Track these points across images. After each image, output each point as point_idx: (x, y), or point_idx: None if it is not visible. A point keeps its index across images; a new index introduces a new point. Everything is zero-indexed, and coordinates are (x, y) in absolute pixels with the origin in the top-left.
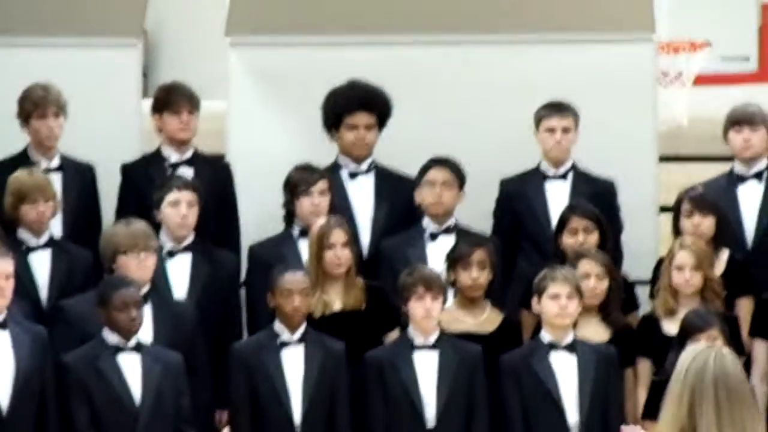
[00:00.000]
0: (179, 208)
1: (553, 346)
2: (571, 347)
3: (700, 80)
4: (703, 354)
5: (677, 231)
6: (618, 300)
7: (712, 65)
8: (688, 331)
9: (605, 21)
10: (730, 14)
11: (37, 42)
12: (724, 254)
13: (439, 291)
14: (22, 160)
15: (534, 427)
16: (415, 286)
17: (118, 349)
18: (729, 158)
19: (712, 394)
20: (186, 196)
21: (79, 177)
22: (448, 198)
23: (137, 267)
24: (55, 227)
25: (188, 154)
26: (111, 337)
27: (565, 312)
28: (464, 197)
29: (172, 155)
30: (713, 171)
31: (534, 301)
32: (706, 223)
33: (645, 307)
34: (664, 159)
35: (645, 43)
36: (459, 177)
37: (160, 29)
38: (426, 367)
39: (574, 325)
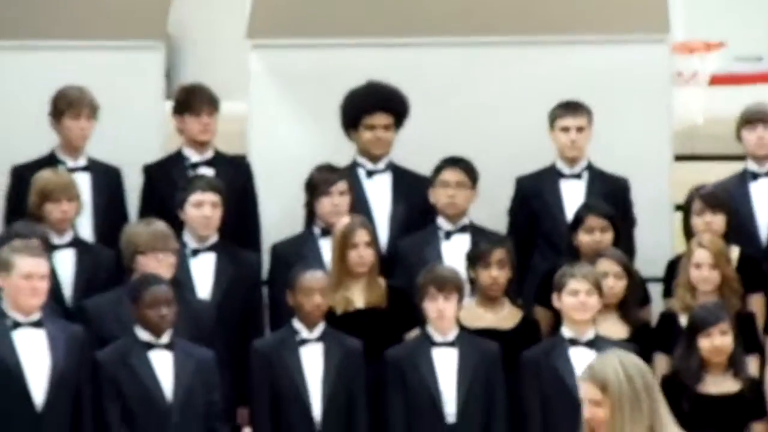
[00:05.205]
0: (203, 210)
1: (573, 342)
2: (591, 343)
3: (715, 80)
4: None
5: (688, 229)
6: (636, 298)
7: (727, 65)
8: (698, 326)
9: (620, 22)
10: (744, 15)
11: (60, 45)
12: (735, 251)
13: (451, 291)
14: (49, 161)
15: (553, 423)
16: (427, 286)
17: (149, 346)
18: (743, 157)
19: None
20: (209, 198)
21: (107, 179)
22: (462, 198)
23: (156, 267)
24: (85, 228)
25: (209, 154)
26: (143, 334)
27: (584, 307)
28: (478, 196)
29: (193, 156)
30: (728, 170)
31: (554, 297)
32: (717, 221)
33: (658, 303)
34: (679, 158)
35: (660, 44)
36: (472, 177)
37: (183, 32)
38: (445, 364)
39: (594, 322)
